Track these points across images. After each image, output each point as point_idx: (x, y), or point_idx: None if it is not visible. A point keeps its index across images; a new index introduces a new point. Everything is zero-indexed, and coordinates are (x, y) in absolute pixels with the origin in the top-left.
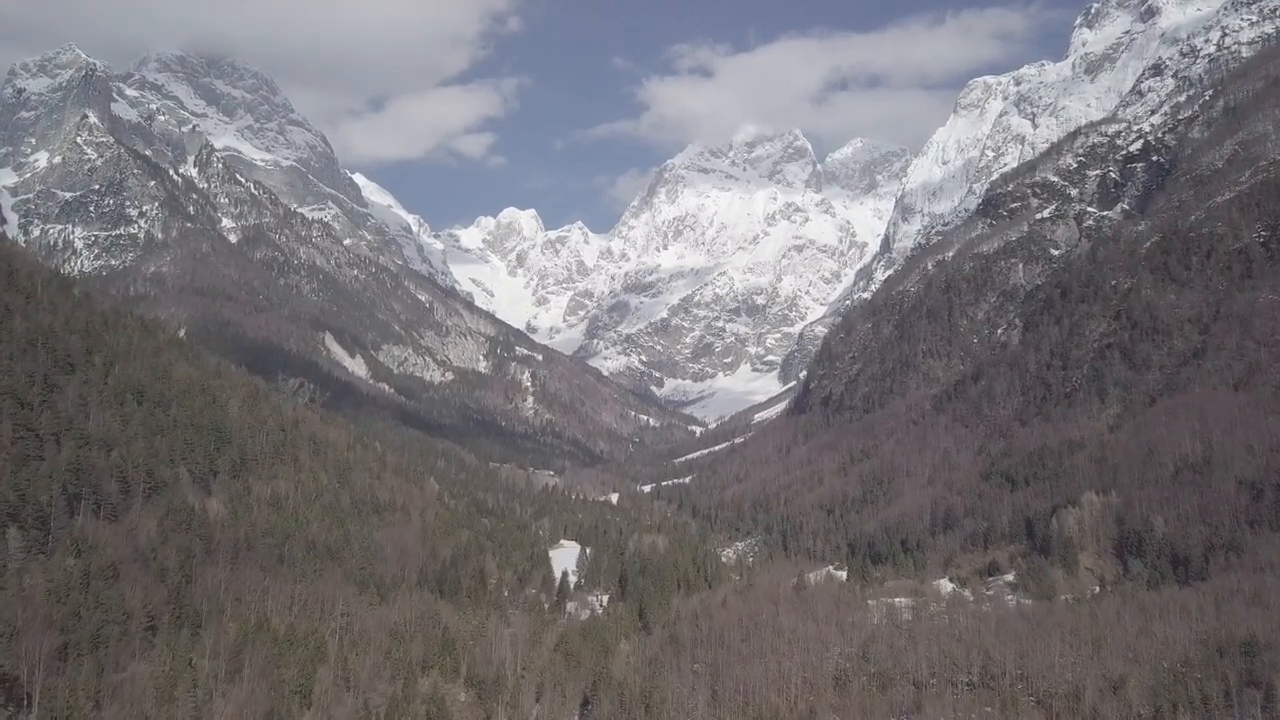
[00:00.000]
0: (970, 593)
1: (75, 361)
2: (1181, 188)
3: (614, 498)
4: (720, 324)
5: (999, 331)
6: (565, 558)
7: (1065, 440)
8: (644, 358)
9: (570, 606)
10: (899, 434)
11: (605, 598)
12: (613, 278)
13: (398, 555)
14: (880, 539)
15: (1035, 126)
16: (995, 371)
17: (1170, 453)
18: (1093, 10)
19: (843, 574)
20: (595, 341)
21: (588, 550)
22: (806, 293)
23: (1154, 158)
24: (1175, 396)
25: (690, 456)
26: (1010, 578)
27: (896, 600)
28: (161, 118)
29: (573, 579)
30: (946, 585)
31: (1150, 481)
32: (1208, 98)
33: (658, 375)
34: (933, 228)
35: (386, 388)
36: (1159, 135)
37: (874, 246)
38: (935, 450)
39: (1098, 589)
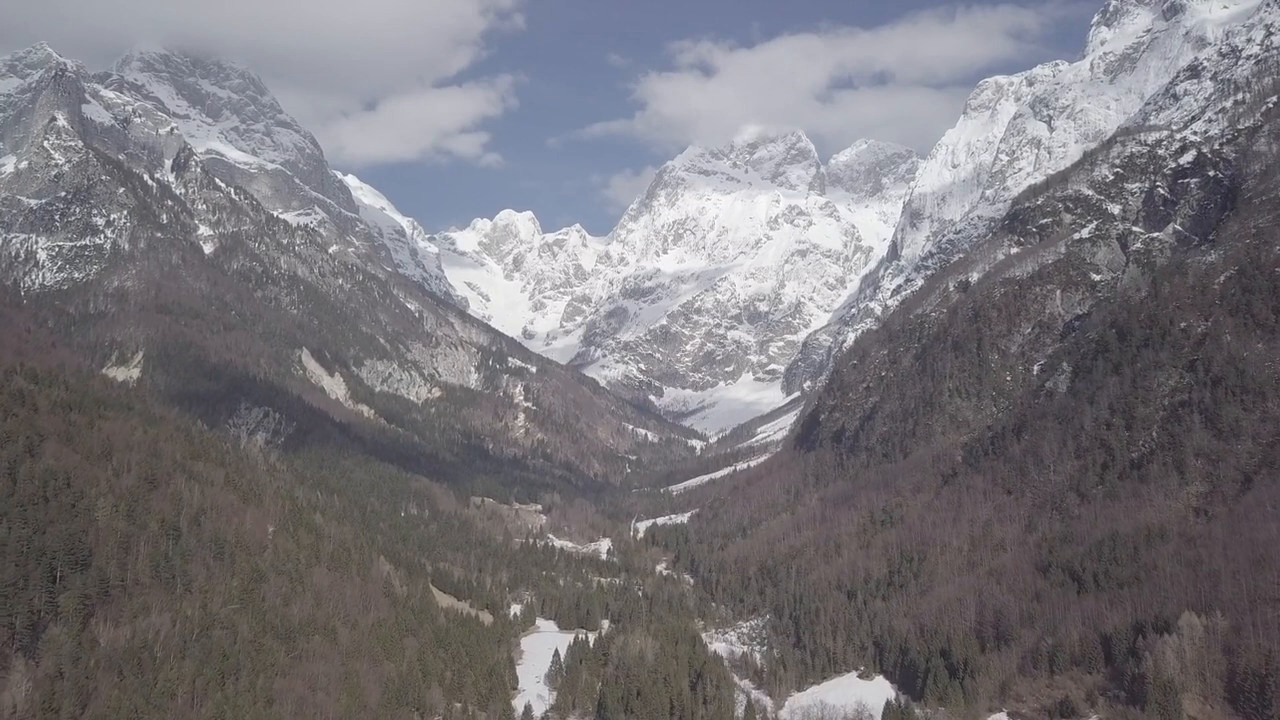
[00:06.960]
0: None
1: None
2: (1256, 211)
3: (605, 545)
4: (722, 331)
5: (1035, 370)
6: (538, 651)
7: (1141, 527)
8: (643, 366)
9: None
10: (926, 491)
11: None
12: (611, 282)
13: None
14: (915, 642)
15: (1051, 130)
16: (1041, 425)
17: None
18: (1111, 7)
19: (872, 699)
20: (593, 349)
21: (563, 652)
22: (810, 299)
23: (1210, 172)
24: (1277, 475)
25: (689, 484)
26: None
27: None
28: (138, 120)
29: (540, 705)
30: None
31: (1264, 597)
32: (1271, 105)
33: (657, 385)
34: (943, 234)
35: (366, 410)
36: (1215, 147)
37: (880, 251)
38: (974, 521)
39: None
